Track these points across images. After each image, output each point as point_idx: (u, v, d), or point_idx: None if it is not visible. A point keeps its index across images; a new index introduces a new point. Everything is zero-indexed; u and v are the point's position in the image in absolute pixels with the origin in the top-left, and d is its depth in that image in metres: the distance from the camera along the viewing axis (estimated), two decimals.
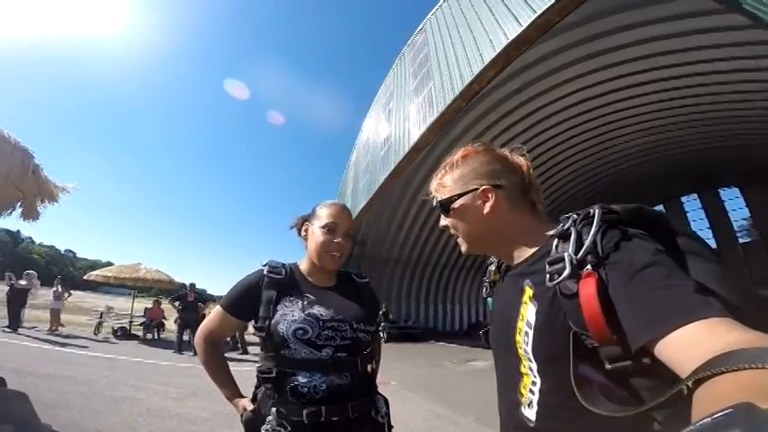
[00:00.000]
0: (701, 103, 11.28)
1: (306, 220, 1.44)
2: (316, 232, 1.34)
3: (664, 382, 0.54)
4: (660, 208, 22.44)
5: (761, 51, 8.25)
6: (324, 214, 1.35)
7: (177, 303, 9.73)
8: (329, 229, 1.32)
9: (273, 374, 1.19)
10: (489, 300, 1.03)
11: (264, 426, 1.15)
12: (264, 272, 1.31)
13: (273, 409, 1.16)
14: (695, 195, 21.53)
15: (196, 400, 4.59)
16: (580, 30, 8.54)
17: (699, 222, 21.48)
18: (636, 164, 16.66)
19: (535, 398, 0.73)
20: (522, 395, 0.77)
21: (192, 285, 10.34)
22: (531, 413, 0.74)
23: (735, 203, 20.13)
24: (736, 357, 0.38)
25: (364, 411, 1.26)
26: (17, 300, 9.43)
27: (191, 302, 9.75)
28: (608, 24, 8.53)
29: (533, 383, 0.74)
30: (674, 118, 12.49)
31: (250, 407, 1.24)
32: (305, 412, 1.14)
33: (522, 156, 0.91)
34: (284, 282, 1.31)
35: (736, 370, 0.37)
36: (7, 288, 9.56)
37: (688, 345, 0.49)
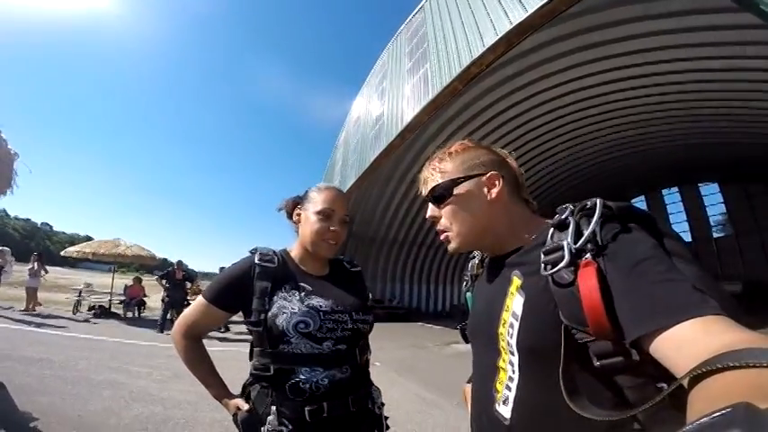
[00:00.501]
0: (688, 99, 11.44)
1: (297, 203, 1.34)
2: (310, 218, 1.25)
3: (647, 380, 0.56)
4: (642, 199, 23.22)
5: (753, 52, 8.36)
6: (319, 199, 1.26)
7: (164, 281, 9.44)
8: (325, 215, 1.24)
9: (271, 372, 1.12)
10: (469, 295, 1.00)
11: (265, 426, 1.09)
12: (255, 260, 1.21)
13: (273, 408, 1.10)
14: (676, 188, 22.10)
15: (180, 382, 4.54)
16: (579, 20, 8.47)
17: (677, 215, 22.17)
18: (620, 155, 16.93)
19: (511, 394, 0.71)
20: (498, 391, 0.75)
21: (180, 263, 9.93)
22: (506, 410, 0.72)
23: (713, 198, 20.82)
24: (734, 356, 0.38)
25: (363, 404, 1.22)
26: None
27: (178, 281, 9.46)
28: (606, 17, 8.50)
29: (510, 379, 0.72)
30: (662, 113, 12.66)
31: (245, 406, 1.15)
32: (307, 410, 1.09)
33: (513, 159, 0.91)
34: (277, 271, 1.22)
35: (734, 369, 0.37)
36: None
37: (685, 342, 0.48)
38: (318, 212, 1.24)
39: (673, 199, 22.65)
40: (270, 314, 1.14)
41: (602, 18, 8.51)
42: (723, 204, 20.29)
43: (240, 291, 1.19)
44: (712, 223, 21.03)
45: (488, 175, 0.82)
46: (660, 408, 0.50)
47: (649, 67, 9.99)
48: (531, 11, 5.77)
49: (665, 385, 0.47)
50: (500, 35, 6.43)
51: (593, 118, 13.36)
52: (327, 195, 1.27)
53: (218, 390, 1.23)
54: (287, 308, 1.15)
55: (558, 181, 18.48)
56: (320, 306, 1.18)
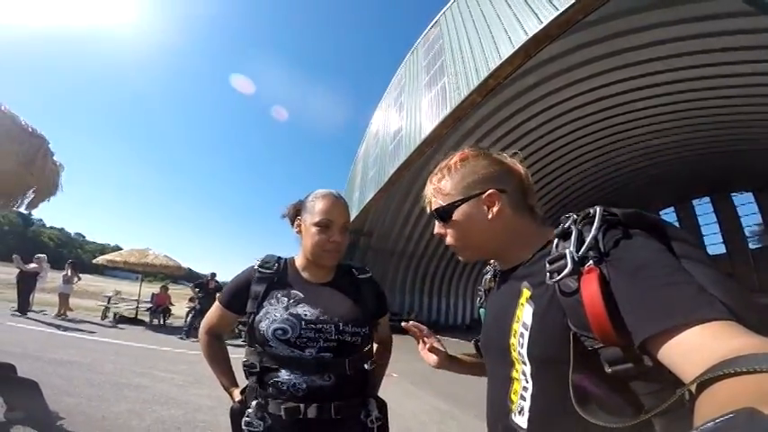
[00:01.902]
0: (719, 105, 11.11)
1: (298, 209, 1.35)
2: (310, 230, 1.25)
3: (665, 386, 0.54)
4: (671, 210, 22.37)
5: None
6: (317, 209, 1.25)
7: (198, 290, 10.14)
8: (323, 226, 1.24)
9: (258, 369, 1.18)
10: (482, 310, 1.00)
11: (245, 417, 1.15)
12: (255, 266, 1.30)
13: (254, 402, 1.16)
14: (707, 198, 21.21)
15: (200, 387, 4.64)
16: (598, 28, 8.44)
17: (710, 226, 21.23)
18: (648, 165, 16.47)
19: (526, 404, 0.71)
20: (513, 402, 0.75)
21: (213, 275, 10.67)
22: (522, 420, 0.71)
23: (747, 209, 19.83)
24: (741, 362, 0.37)
25: (351, 413, 1.21)
26: (26, 284, 9.31)
27: (211, 290, 10.07)
28: (626, 24, 8.41)
29: (524, 389, 0.72)
30: (691, 120, 12.31)
31: (237, 398, 1.24)
32: (283, 408, 1.13)
33: (519, 161, 0.89)
34: (274, 277, 1.27)
35: (740, 374, 0.36)
36: (17, 271, 9.41)
37: (692, 348, 0.48)
38: (316, 224, 1.24)
39: (704, 210, 21.74)
40: (257, 318, 1.20)
41: (621, 25, 8.42)
42: (758, 214, 19.30)
43: (242, 295, 1.27)
44: (748, 234, 19.96)
45: (487, 193, 0.81)
46: (679, 415, 0.50)
47: (674, 73, 9.78)
48: (546, 22, 5.77)
49: (686, 390, 0.45)
50: (516, 47, 6.43)
51: (618, 127, 13.11)
52: (324, 205, 1.26)
53: (227, 380, 1.34)
54: (270, 313, 1.19)
55: (583, 192, 18.12)
56: (304, 315, 1.19)
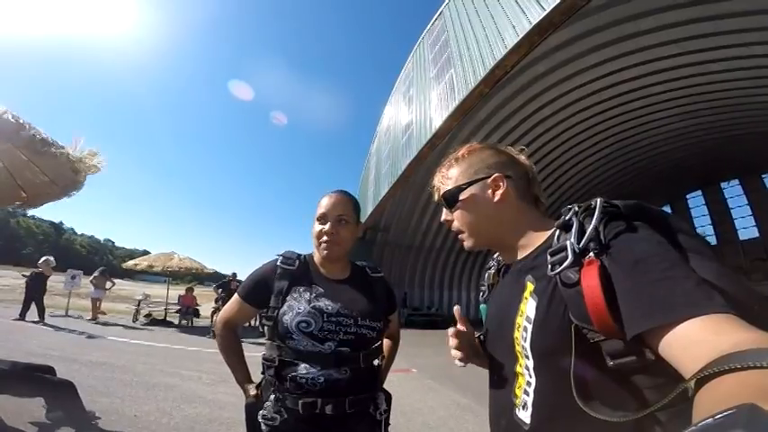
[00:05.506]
0: (741, 87, 10.64)
1: None
2: (313, 225, 1.37)
3: (668, 380, 0.53)
4: (699, 194, 21.46)
5: None
6: (319, 206, 1.38)
7: (220, 290, 10.24)
8: (321, 219, 1.35)
9: (276, 363, 1.22)
10: (483, 307, 1.00)
11: (262, 411, 1.19)
12: (278, 262, 1.35)
13: (272, 396, 1.20)
14: (736, 181, 20.25)
15: (226, 386, 4.77)
16: (606, 13, 8.20)
17: (740, 209, 20.30)
18: (671, 149, 15.83)
19: (530, 399, 0.71)
20: (517, 396, 0.75)
21: (234, 275, 10.87)
22: (525, 415, 0.71)
23: None
24: (741, 357, 0.37)
25: (363, 407, 1.26)
26: (33, 287, 9.15)
27: (233, 290, 10.11)
28: (635, 8, 8.14)
29: (528, 384, 0.72)
30: (711, 102, 11.81)
31: (252, 392, 1.29)
32: (300, 402, 1.16)
33: (526, 156, 0.91)
34: (296, 273, 1.33)
35: (741, 370, 0.36)
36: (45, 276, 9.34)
37: (692, 342, 0.47)
38: (317, 219, 1.36)
39: (734, 192, 20.79)
40: (281, 311, 1.25)
41: (631, 9, 8.15)
42: None
43: (264, 288, 1.32)
44: None
45: (492, 177, 0.83)
46: (681, 409, 0.48)
47: (690, 56, 9.44)
48: (548, 9, 5.64)
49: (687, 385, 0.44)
50: (521, 36, 6.30)
51: (636, 112, 12.67)
52: (322, 201, 1.37)
53: (241, 374, 1.38)
54: (294, 307, 1.24)
55: (604, 178, 17.63)
56: (326, 308, 1.25)
